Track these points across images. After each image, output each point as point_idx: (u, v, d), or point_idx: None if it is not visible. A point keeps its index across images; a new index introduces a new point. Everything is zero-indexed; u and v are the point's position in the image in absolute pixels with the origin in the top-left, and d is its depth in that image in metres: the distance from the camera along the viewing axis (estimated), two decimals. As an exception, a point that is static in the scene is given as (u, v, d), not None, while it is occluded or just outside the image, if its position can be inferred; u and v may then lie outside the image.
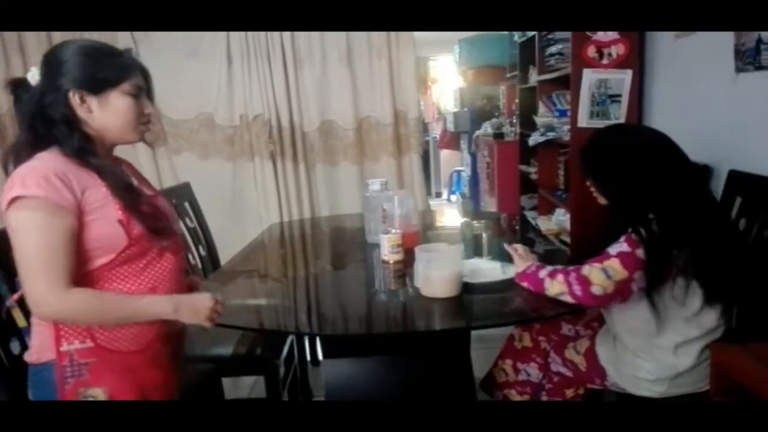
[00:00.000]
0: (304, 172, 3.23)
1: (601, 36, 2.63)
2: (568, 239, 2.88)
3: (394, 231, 1.89)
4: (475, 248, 1.83)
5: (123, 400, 1.15)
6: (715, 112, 2.09)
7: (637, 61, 2.64)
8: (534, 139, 3.19)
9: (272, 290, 1.91)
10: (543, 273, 1.48)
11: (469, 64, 5.31)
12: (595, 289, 1.38)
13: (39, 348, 1.16)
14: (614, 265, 1.37)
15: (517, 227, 3.16)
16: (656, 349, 1.48)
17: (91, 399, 1.13)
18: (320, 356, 2.63)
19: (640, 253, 1.37)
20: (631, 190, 1.44)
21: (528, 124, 3.74)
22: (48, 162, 1.12)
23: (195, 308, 1.18)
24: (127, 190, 1.19)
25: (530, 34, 3.56)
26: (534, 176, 3.63)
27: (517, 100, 4.37)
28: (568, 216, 3.00)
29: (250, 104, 3.15)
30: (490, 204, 4.60)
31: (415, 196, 3.09)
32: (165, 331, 1.23)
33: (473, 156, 5.12)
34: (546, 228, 3.13)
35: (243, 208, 3.22)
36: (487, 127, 4.73)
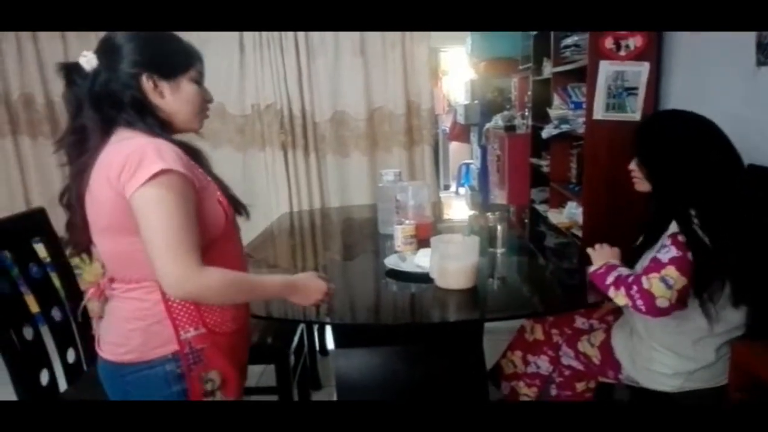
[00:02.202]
0: (314, 163, 3.22)
1: (619, 27, 2.58)
2: (579, 233, 2.85)
3: (407, 222, 1.88)
4: (489, 240, 1.82)
5: (231, 378, 1.19)
6: (734, 105, 2.06)
7: (654, 53, 2.61)
8: (547, 131, 3.16)
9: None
10: (610, 279, 1.45)
11: (481, 56, 5.25)
12: (660, 302, 1.34)
13: (142, 346, 1.14)
14: (671, 272, 1.34)
15: (527, 220, 3.12)
16: (676, 343, 1.46)
17: (209, 382, 1.16)
18: (329, 346, 2.63)
19: (690, 256, 1.34)
20: (680, 177, 1.40)
21: (540, 116, 3.70)
22: (157, 140, 1.09)
23: (309, 291, 1.26)
24: (211, 171, 1.21)
25: (544, 25, 3.52)
26: (545, 169, 3.60)
27: (529, 93, 4.33)
28: (580, 209, 2.97)
29: (262, 94, 3.14)
30: (499, 197, 4.57)
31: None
32: (249, 311, 1.30)
33: (483, 148, 5.08)
34: (558, 221, 3.10)
35: (253, 198, 3.18)
36: (498, 120, 4.69)
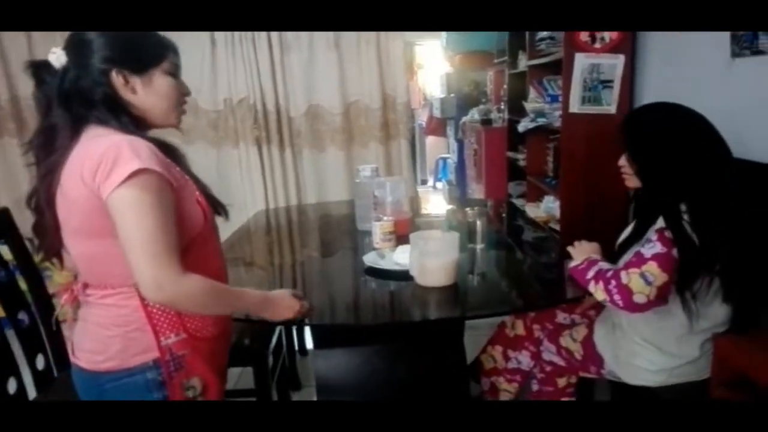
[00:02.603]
0: (290, 158, 3.17)
1: (594, 20, 2.59)
2: (556, 226, 2.85)
3: (386, 218, 1.85)
4: (469, 236, 1.80)
5: (213, 384, 1.17)
6: (709, 97, 2.07)
7: (630, 46, 2.61)
8: (524, 125, 3.16)
9: (259, 279, 1.86)
10: (590, 274, 1.42)
11: (456, 50, 5.24)
12: (638, 298, 1.32)
13: (121, 354, 1.09)
14: (652, 269, 1.31)
15: (504, 214, 3.12)
16: (659, 339, 1.45)
17: (191, 389, 1.13)
18: (309, 346, 2.59)
19: (675, 252, 1.31)
20: (671, 171, 1.37)
21: (517, 110, 3.70)
22: (131, 137, 1.03)
23: (281, 308, 1.26)
24: (189, 169, 1.17)
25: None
26: (522, 163, 3.60)
27: (505, 86, 4.33)
28: (557, 203, 2.97)
29: (234, 88, 3.08)
30: (476, 191, 4.57)
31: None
32: (230, 315, 1.28)
33: (460, 142, 5.07)
34: (535, 215, 3.11)
35: (227, 195, 3.13)
36: (475, 114, 4.69)
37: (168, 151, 1.13)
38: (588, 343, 1.61)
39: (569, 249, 1.58)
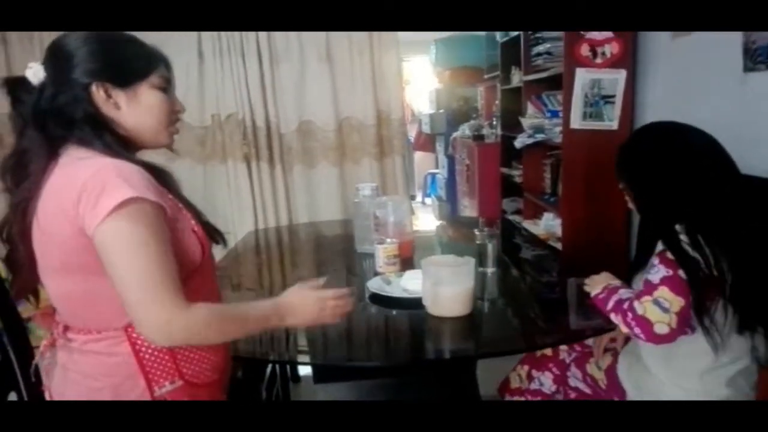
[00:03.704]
0: (280, 175, 3.04)
1: (595, 34, 2.53)
2: (556, 245, 2.76)
3: (389, 240, 1.74)
4: (480, 259, 1.69)
5: None
6: (720, 113, 2.00)
7: (631, 60, 2.56)
8: (521, 141, 3.08)
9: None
10: (610, 304, 1.34)
11: (445, 65, 5.20)
12: (658, 328, 1.23)
13: None
14: (664, 294, 1.23)
15: (498, 231, 3.01)
16: (683, 376, 1.36)
17: None
18: (302, 372, 2.45)
19: (682, 273, 1.24)
20: (660, 195, 1.32)
21: (510, 125, 3.63)
22: (117, 161, 0.93)
23: (305, 308, 1.07)
24: (182, 196, 1.05)
25: (513, 33, 3.45)
26: (518, 179, 3.53)
27: (497, 102, 4.28)
28: (557, 221, 2.89)
29: (222, 103, 2.95)
30: (468, 207, 4.49)
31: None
32: (230, 358, 1.15)
33: (450, 158, 5.00)
34: (534, 233, 3.02)
35: (215, 214, 2.99)
36: (466, 129, 4.63)
37: (159, 175, 1.00)
38: (611, 372, 1.52)
39: (585, 287, 1.49)
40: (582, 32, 2.52)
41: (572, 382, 1.62)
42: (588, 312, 1.43)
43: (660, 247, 1.29)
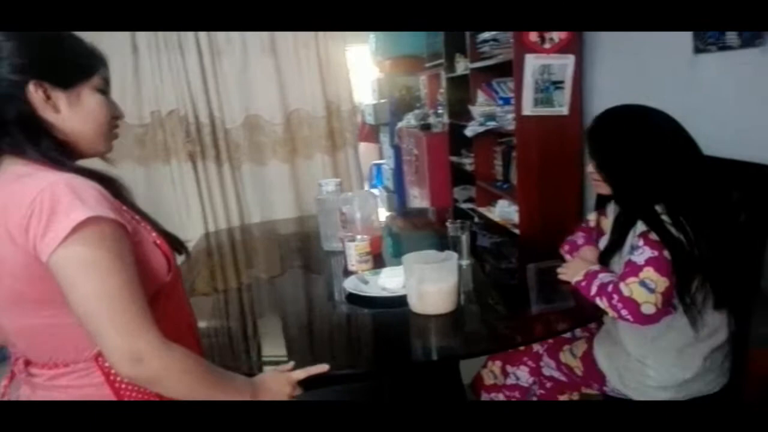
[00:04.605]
0: (229, 174, 2.90)
1: (543, 20, 2.54)
2: (514, 231, 2.78)
3: (360, 237, 1.68)
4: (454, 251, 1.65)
5: None
6: (671, 95, 2.05)
7: (579, 45, 2.59)
8: (473, 129, 3.08)
9: (218, 326, 1.60)
10: (594, 289, 1.34)
11: (386, 55, 5.15)
12: (645, 308, 1.24)
13: None
14: (650, 274, 1.24)
15: (449, 220, 3.00)
16: (661, 353, 1.39)
17: None
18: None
19: (667, 254, 1.25)
20: (640, 177, 1.33)
21: (457, 113, 3.63)
22: (66, 175, 0.83)
23: (273, 392, 1.03)
24: (137, 206, 0.95)
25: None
26: (469, 167, 3.53)
27: (442, 90, 4.27)
28: (513, 207, 2.91)
29: (162, 99, 2.77)
30: (418, 197, 4.48)
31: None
32: None
33: (396, 148, 4.97)
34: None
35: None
36: (411, 119, 4.60)
37: (109, 185, 0.90)
38: (588, 359, 1.52)
39: (561, 273, 1.49)
40: (531, 18, 2.52)
41: (546, 372, 1.62)
42: (569, 298, 1.42)
43: (642, 228, 1.30)
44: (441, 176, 3.96)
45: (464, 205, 3.65)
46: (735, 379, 1.39)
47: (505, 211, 2.97)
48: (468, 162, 3.54)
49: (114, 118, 0.98)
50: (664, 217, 1.28)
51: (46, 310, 0.84)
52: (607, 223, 1.59)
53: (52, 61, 0.88)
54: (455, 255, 1.36)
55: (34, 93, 0.86)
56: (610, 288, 1.30)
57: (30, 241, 0.77)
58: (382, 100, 5.26)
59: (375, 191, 6.22)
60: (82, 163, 0.94)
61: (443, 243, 1.75)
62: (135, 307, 0.81)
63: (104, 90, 0.95)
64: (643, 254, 1.26)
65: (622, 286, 1.27)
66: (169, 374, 0.83)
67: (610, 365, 1.47)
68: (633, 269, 1.27)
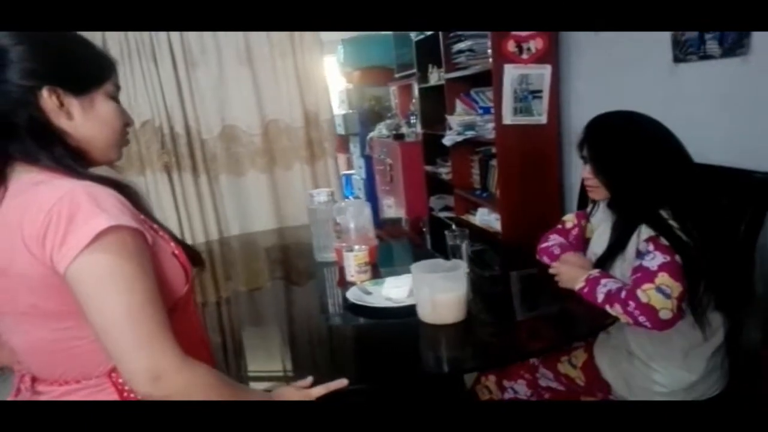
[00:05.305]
0: (206, 185, 2.83)
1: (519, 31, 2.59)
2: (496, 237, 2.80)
3: (358, 247, 1.65)
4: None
5: None
6: (651, 104, 2.08)
7: (555, 55, 2.65)
8: (451, 138, 3.10)
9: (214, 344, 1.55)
10: (600, 297, 1.32)
11: (354, 65, 5.16)
12: (663, 314, 1.23)
13: None
14: (665, 280, 1.24)
15: (425, 229, 3.00)
16: (668, 356, 1.40)
17: None
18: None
19: (678, 259, 1.26)
20: (643, 181, 1.34)
21: (431, 123, 3.65)
22: (85, 183, 0.79)
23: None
24: (155, 216, 0.92)
25: (429, 32, 3.46)
26: (445, 176, 3.55)
27: (414, 100, 4.29)
28: (493, 215, 2.94)
29: (135, 110, 2.69)
30: (392, 206, 4.47)
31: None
32: None
33: (367, 159, 4.96)
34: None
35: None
36: (382, 129, 4.61)
37: (127, 193, 0.87)
38: (590, 369, 1.52)
39: (554, 274, 1.49)
40: (508, 29, 2.56)
41: (543, 382, 1.61)
42: (575, 304, 1.42)
43: (649, 232, 1.30)
44: (416, 186, 3.97)
45: (441, 214, 3.66)
46: (738, 380, 1.42)
47: (485, 219, 3.00)
48: (444, 171, 3.56)
49: (126, 125, 0.95)
50: (672, 222, 1.29)
51: (62, 323, 0.81)
52: (591, 228, 1.61)
53: (65, 66, 0.86)
54: (463, 263, 1.35)
55: (48, 99, 0.83)
56: (623, 295, 1.28)
57: (47, 251, 0.74)
58: (351, 111, 5.25)
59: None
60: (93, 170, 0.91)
61: (426, 252, 1.73)
62: (156, 321, 0.78)
63: (116, 96, 0.93)
64: (654, 259, 1.26)
65: (639, 292, 1.25)
66: (190, 392, 0.80)
67: (614, 372, 1.47)
68: (646, 275, 1.26)
